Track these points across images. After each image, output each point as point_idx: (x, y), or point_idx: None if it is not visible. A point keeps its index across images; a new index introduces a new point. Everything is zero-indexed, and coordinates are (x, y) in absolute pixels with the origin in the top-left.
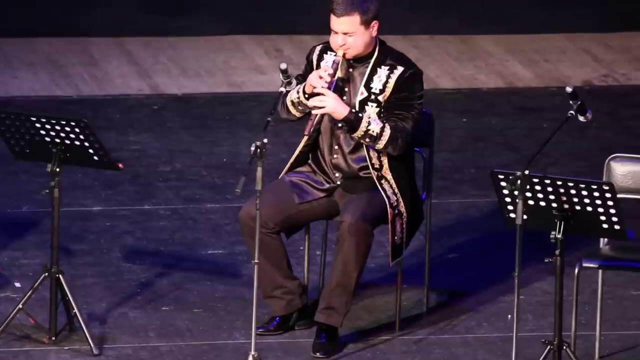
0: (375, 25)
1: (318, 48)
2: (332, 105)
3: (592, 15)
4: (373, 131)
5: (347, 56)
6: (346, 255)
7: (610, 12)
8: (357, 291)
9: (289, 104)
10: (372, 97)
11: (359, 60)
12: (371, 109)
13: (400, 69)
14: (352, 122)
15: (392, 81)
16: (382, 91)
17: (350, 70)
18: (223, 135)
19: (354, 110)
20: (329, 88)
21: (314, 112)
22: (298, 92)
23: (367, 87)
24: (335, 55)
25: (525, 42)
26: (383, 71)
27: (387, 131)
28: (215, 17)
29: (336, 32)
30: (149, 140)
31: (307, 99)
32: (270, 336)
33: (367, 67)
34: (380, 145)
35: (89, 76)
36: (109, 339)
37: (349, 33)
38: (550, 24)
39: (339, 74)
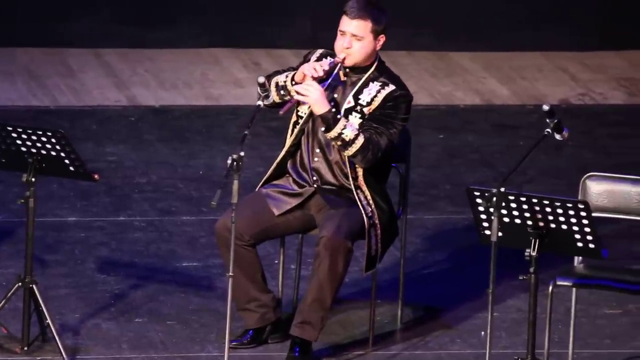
0: (381, 39)
1: (319, 51)
2: (315, 98)
3: (569, 34)
4: (346, 136)
5: (347, 62)
6: (324, 271)
7: (587, 31)
8: (332, 306)
9: (272, 85)
10: (358, 107)
11: (355, 71)
12: (355, 119)
13: (391, 87)
14: (329, 121)
15: (380, 96)
16: (368, 104)
17: (345, 78)
18: (200, 147)
19: (334, 110)
20: (319, 82)
21: (295, 97)
22: (287, 77)
23: (356, 97)
24: (334, 58)
25: (502, 60)
26: (374, 86)
27: (360, 140)
28: (193, 30)
29: (344, 34)
30: (126, 151)
31: (294, 86)
32: (244, 349)
33: (360, 79)
34: (350, 152)
35: (66, 87)
36: (81, 350)
37: (358, 37)
38: (528, 42)
39: (335, 75)
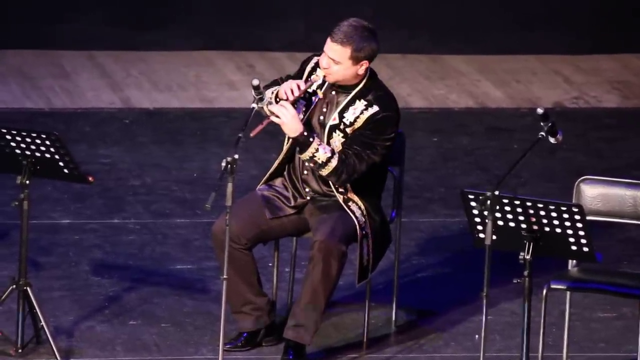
0: (364, 64)
1: (315, 59)
2: (287, 120)
3: (563, 37)
4: (319, 158)
5: (327, 79)
6: (318, 274)
7: (581, 35)
8: (326, 309)
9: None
10: (342, 126)
11: (344, 88)
12: (337, 137)
13: (375, 109)
14: (301, 144)
15: (363, 117)
16: (352, 124)
17: (333, 93)
18: (194, 150)
19: (305, 133)
20: (293, 102)
21: (272, 118)
22: (272, 93)
23: (341, 115)
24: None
25: (496, 63)
26: (360, 105)
27: (334, 163)
28: (187, 32)
29: (325, 54)
30: (120, 153)
31: (278, 102)
32: (238, 352)
33: (347, 96)
34: (324, 172)
35: (60, 89)
36: (75, 352)
37: (335, 61)
38: (521, 45)
39: (314, 91)
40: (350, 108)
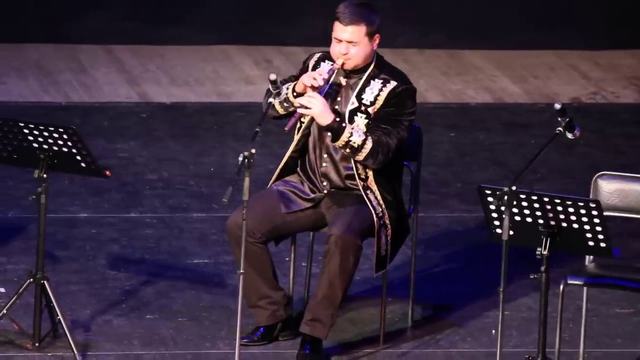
0: (377, 38)
1: (317, 55)
2: (319, 110)
3: (581, 32)
4: (354, 142)
5: (346, 67)
6: (334, 268)
7: (599, 30)
8: (342, 303)
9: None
10: (363, 108)
11: (355, 71)
12: (360, 120)
13: (393, 84)
14: (335, 130)
15: (383, 94)
16: (372, 103)
17: (345, 79)
18: (211, 144)
19: (338, 119)
20: (319, 92)
21: (299, 111)
22: (287, 89)
23: (359, 97)
24: (332, 64)
25: (514, 58)
26: (376, 84)
27: (369, 144)
28: (204, 27)
29: (339, 41)
30: (137, 148)
31: (296, 97)
32: (254, 346)
33: (361, 78)
34: (360, 157)
35: (78, 83)
36: (92, 346)
37: (353, 42)
38: (539, 41)
39: (333, 81)
40: (367, 89)
